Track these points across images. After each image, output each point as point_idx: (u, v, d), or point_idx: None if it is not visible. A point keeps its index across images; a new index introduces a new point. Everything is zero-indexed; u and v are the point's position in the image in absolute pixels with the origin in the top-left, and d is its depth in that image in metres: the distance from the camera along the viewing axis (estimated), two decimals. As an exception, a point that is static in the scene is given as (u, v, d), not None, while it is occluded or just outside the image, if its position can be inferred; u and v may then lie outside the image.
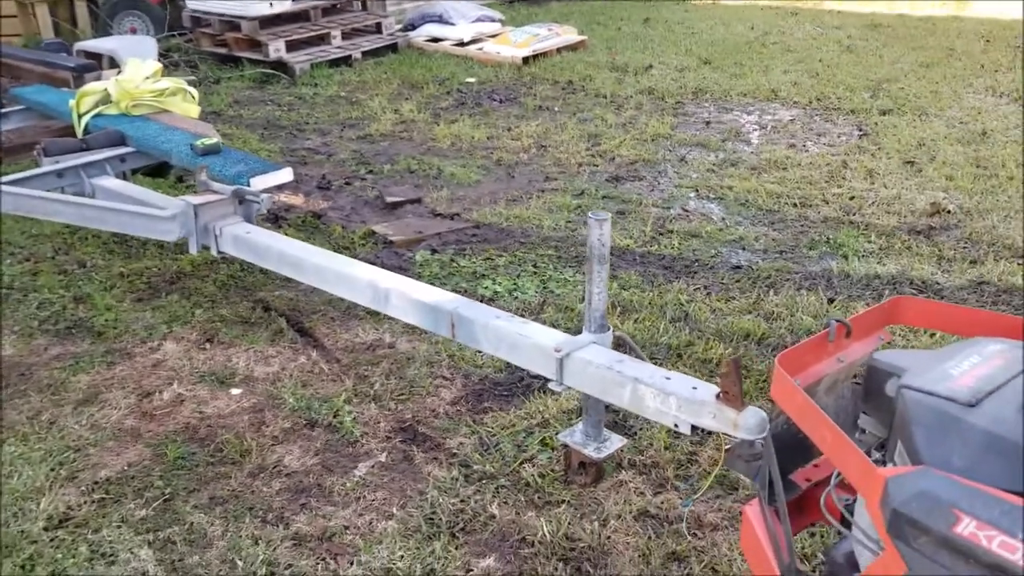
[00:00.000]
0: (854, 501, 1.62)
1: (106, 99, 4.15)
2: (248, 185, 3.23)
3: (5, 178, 3.52)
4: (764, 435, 1.91)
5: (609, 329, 2.32)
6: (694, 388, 2.04)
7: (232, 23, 7.99)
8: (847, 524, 1.61)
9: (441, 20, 8.96)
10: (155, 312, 3.70)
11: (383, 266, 4.13)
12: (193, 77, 5.86)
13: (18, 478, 2.62)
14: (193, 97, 4.27)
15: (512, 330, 2.35)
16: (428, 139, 6.18)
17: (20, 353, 3.42)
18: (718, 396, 1.95)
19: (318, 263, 2.82)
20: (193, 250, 3.12)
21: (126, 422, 2.95)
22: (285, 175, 3.39)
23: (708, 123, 6.56)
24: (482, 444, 2.81)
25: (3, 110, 4.59)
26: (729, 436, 1.97)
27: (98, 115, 4.10)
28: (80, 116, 4.12)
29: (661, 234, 4.54)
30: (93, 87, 4.14)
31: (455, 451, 2.78)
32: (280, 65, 7.88)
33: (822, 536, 2.32)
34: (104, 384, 3.18)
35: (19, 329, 3.60)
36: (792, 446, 1.74)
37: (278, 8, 7.93)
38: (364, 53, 8.45)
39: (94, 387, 3.16)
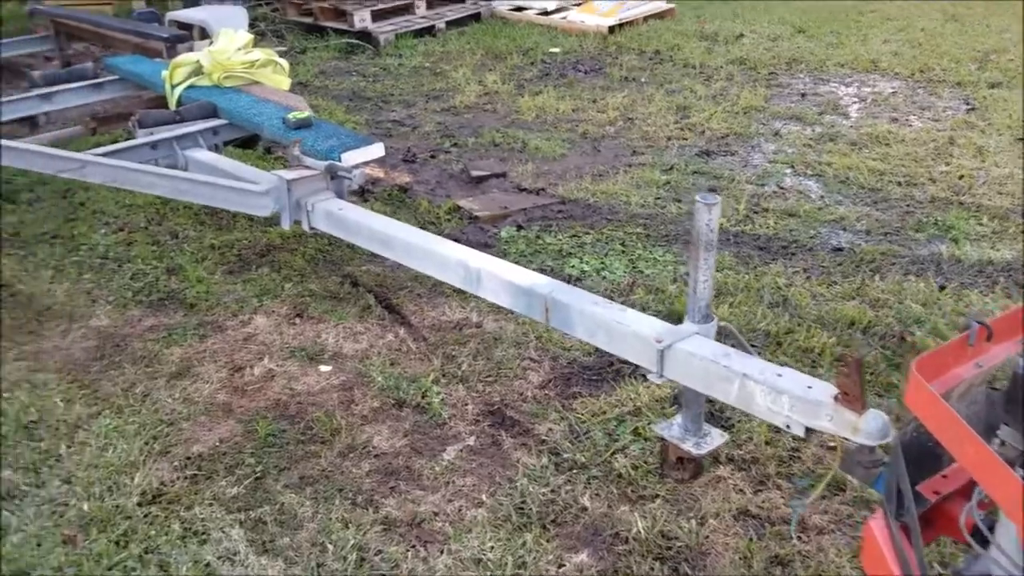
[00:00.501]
0: (990, 516, 1.50)
1: (198, 70, 4.16)
2: (340, 160, 3.19)
3: (99, 149, 3.55)
4: (886, 441, 1.78)
5: (713, 319, 2.21)
6: (809, 387, 1.91)
7: (318, -8, 7.99)
8: (983, 543, 1.48)
9: (525, -12, 8.80)
10: (246, 285, 3.72)
11: (468, 242, 4.08)
12: (283, 48, 5.86)
13: (113, 451, 2.65)
14: (284, 69, 4.25)
15: (610, 317, 2.26)
16: (512, 111, 6.08)
17: (115, 324, 3.48)
18: (836, 397, 1.82)
19: (409, 241, 2.76)
20: (285, 225, 3.10)
21: (218, 396, 2.96)
22: (377, 150, 3.34)
23: (803, 95, 6.29)
24: (572, 431, 2.74)
25: (98, 80, 4.66)
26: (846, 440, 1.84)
27: (191, 87, 4.12)
28: (173, 87, 4.14)
29: (756, 212, 4.36)
30: (186, 58, 4.16)
31: (544, 438, 2.71)
32: (365, 35, 7.85)
33: (942, 551, 2.18)
34: (196, 357, 3.21)
35: (114, 299, 3.66)
36: (920, 455, 1.61)
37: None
38: (448, 23, 8.37)
39: (186, 360, 3.19)
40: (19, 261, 3.99)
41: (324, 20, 8.12)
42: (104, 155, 3.49)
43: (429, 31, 8.22)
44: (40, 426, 2.80)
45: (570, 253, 3.95)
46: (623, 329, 2.22)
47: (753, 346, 3.08)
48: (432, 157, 5.27)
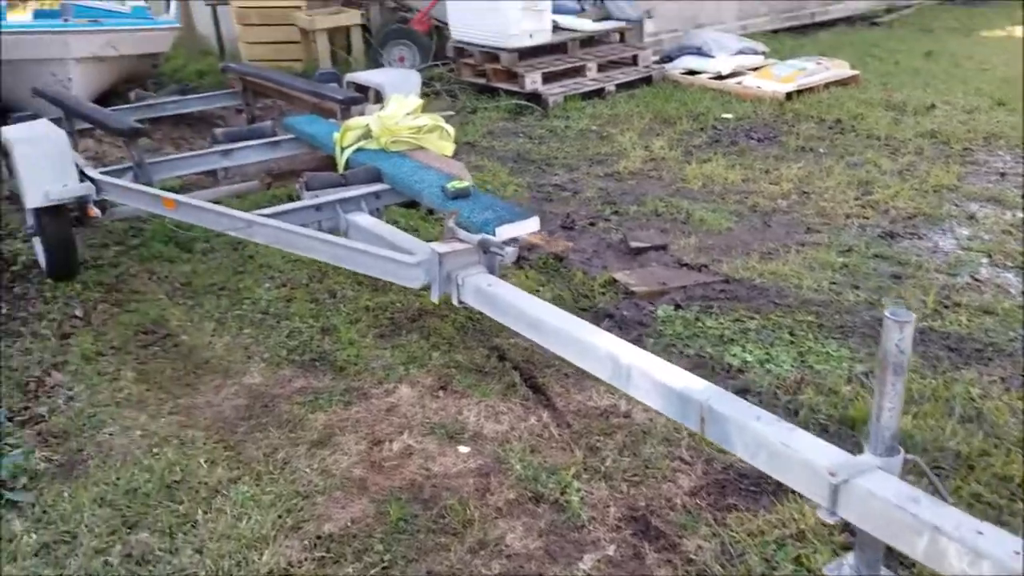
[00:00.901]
0: None
1: (367, 134, 4.23)
2: (494, 234, 3.10)
3: (267, 210, 3.64)
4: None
5: (899, 452, 1.91)
6: (1017, 552, 1.59)
7: (492, 54, 8.12)
8: None
9: (700, 52, 8.62)
10: (394, 351, 3.68)
11: (622, 319, 3.90)
12: (451, 112, 5.94)
13: (246, 522, 2.62)
14: (449, 135, 4.25)
15: (775, 438, 2.00)
16: (678, 179, 5.87)
17: (266, 382, 3.51)
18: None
19: (559, 327, 2.61)
20: (435, 298, 3.04)
21: (354, 471, 2.90)
22: (532, 224, 3.23)
23: (1003, 174, 5.73)
24: (724, 552, 2.47)
25: (275, 138, 4.84)
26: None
27: (359, 150, 4.18)
28: (342, 150, 4.22)
29: (946, 307, 3.93)
30: (356, 122, 4.23)
31: (692, 556, 2.46)
32: (535, 97, 7.89)
33: None
34: (339, 425, 3.17)
35: (268, 356, 3.71)
36: None
37: (538, 40, 7.95)
38: (618, 85, 8.29)
39: (329, 427, 3.15)
40: (187, 312, 4.15)
41: (496, 81, 8.23)
42: (270, 216, 3.56)
43: (598, 93, 8.16)
44: (182, 487, 2.82)
45: (732, 339, 3.68)
46: (790, 454, 1.96)
47: (938, 468, 2.71)
48: (591, 225, 5.14)
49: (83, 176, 4.28)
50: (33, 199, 4.11)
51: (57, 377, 3.56)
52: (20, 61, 7.18)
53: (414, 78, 5.25)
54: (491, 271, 3.05)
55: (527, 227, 3.23)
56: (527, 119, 7.65)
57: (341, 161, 4.20)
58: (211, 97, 6.20)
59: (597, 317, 3.95)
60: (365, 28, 9.43)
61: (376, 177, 3.92)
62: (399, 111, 4.25)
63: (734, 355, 3.56)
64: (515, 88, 8.02)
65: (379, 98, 5.42)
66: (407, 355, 3.65)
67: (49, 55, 7.18)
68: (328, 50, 9.14)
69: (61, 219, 4.29)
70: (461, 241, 3.06)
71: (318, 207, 3.69)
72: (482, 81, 8.39)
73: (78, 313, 4.16)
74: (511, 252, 2.88)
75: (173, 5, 8.42)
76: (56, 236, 4.30)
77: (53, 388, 3.50)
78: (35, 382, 3.52)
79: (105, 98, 8.40)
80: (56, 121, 5.46)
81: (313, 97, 5.11)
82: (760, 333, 3.73)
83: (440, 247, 3.00)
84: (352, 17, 9.25)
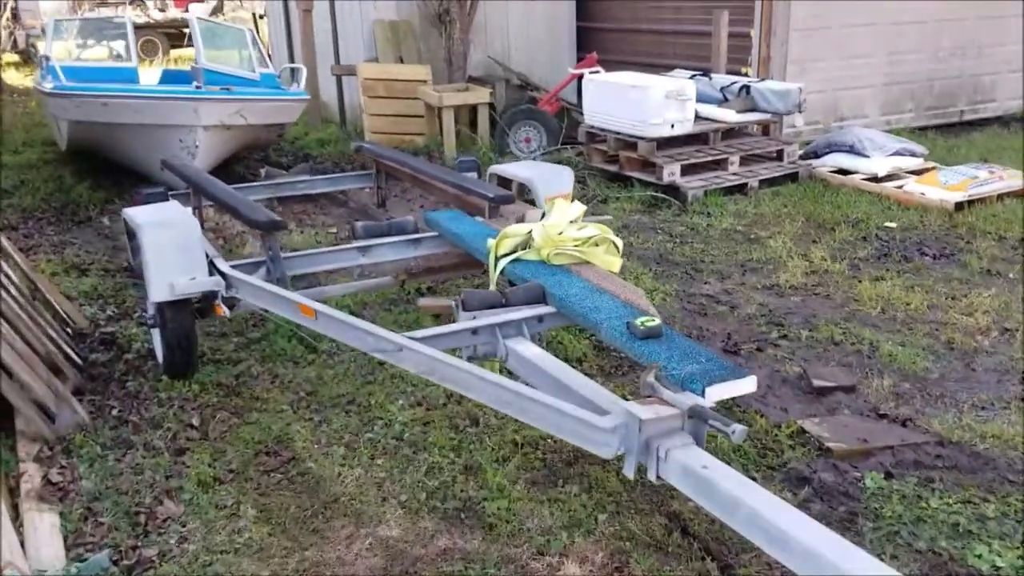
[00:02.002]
0: None
1: (526, 243, 3.75)
2: (702, 394, 2.54)
3: (418, 332, 3.16)
4: None
5: None
6: None
7: (627, 142, 7.66)
8: None
9: (852, 150, 7.97)
10: (552, 507, 3.12)
11: (823, 487, 3.26)
12: (609, 217, 5.46)
13: None
14: (617, 248, 3.74)
15: None
16: (850, 299, 5.21)
17: (405, 536, 2.98)
18: None
19: (810, 547, 2.01)
20: (629, 472, 2.47)
21: None
22: (747, 384, 2.66)
23: None
24: None
25: (416, 236, 4.41)
26: None
27: (516, 260, 3.70)
28: (497, 259, 3.75)
29: None
30: (516, 230, 3.76)
31: None
32: (671, 189, 7.37)
33: None
34: (496, 612, 2.61)
35: (406, 499, 3.19)
36: None
37: (680, 131, 7.46)
38: (761, 181, 7.71)
39: (485, 615, 2.59)
40: (313, 430, 3.68)
41: (629, 170, 7.76)
42: (423, 339, 3.08)
43: (740, 189, 7.60)
44: None
45: (969, 531, 2.99)
46: None
47: None
48: (758, 351, 4.52)
49: (212, 268, 3.92)
50: (158, 292, 3.76)
51: (170, 507, 3.11)
52: (149, 126, 7.05)
53: (566, 176, 4.80)
54: (698, 442, 2.47)
55: (742, 387, 2.65)
56: (663, 213, 7.12)
57: (495, 272, 3.72)
58: (342, 178, 5.89)
59: (790, 481, 3.32)
60: (491, 107, 9.14)
61: (539, 297, 3.41)
62: (563, 218, 3.77)
63: (979, 556, 2.86)
64: (650, 179, 7.53)
65: (521, 192, 4.99)
66: (568, 515, 3.08)
67: (178, 121, 7.04)
68: (453, 128, 8.85)
69: (184, 313, 3.92)
70: (664, 403, 2.50)
71: (475, 331, 3.20)
72: (614, 169, 7.93)
73: (194, 422, 3.74)
74: (740, 432, 2.30)
75: (302, 75, 8.27)
76: (177, 332, 3.93)
77: (165, 522, 3.04)
78: (146, 513, 3.07)
79: (226, 164, 8.28)
80: (183, 195, 5.20)
81: (458, 190, 4.69)
82: (1002, 523, 3.04)
83: (641, 410, 2.44)
84: (481, 96, 8.97)
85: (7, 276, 4.12)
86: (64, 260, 6.06)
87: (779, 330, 4.77)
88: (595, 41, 10.63)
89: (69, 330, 4.68)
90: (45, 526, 2.88)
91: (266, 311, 3.68)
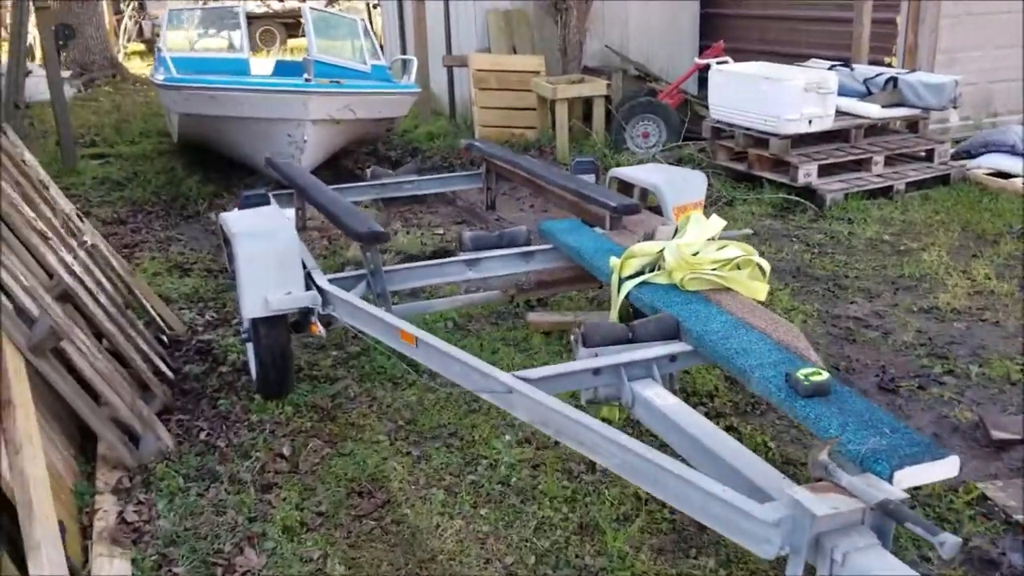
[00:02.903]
0: None
1: (656, 263, 3.27)
2: (890, 479, 2.02)
3: (533, 372, 2.73)
4: None
5: None
6: None
7: (758, 138, 7.03)
8: None
9: (1012, 151, 7.11)
10: (683, 586, 2.65)
11: (1010, 569, 2.66)
12: (750, 231, 4.91)
13: None
14: (763, 272, 3.21)
15: None
16: (1024, 327, 4.51)
17: (513, 612, 2.57)
18: None
19: None
20: (796, 572, 1.97)
21: None
22: (948, 467, 2.11)
23: None
24: None
25: (529, 248, 3.99)
26: None
27: (643, 283, 3.22)
28: (621, 281, 3.28)
29: None
30: (645, 248, 3.28)
31: None
32: (807, 191, 6.71)
33: None
34: None
35: (512, 563, 2.79)
36: None
37: (818, 127, 6.78)
38: (908, 184, 6.94)
39: None
40: (411, 467, 3.31)
41: (759, 169, 7.12)
42: (537, 381, 2.65)
43: (884, 192, 6.86)
44: None
45: None
46: None
47: None
48: (920, 388, 3.90)
49: (309, 281, 3.59)
50: (251, 307, 3.46)
51: (251, 558, 2.78)
52: (257, 119, 6.87)
53: (698, 182, 4.27)
54: (884, 541, 1.95)
55: (940, 471, 2.10)
56: (798, 218, 6.48)
57: (619, 298, 3.25)
58: (451, 179, 5.53)
59: (973, 563, 2.74)
60: (607, 99, 8.62)
61: (672, 331, 2.92)
62: (700, 236, 3.26)
63: None
64: (783, 179, 6.88)
65: (643, 198, 4.50)
66: (704, 597, 2.60)
67: (286, 115, 6.82)
68: (567, 122, 8.38)
69: (279, 330, 3.62)
70: (841, 490, 1.99)
71: (597, 370, 2.74)
72: (741, 167, 7.31)
73: (285, 451, 3.43)
74: (951, 546, 1.77)
75: (413, 67, 7.95)
76: (271, 349, 3.63)
77: (244, 576, 2.72)
78: (223, 565, 2.76)
79: (335, 159, 8.06)
80: (286, 195, 4.93)
81: (576, 197, 4.23)
82: None
83: (813, 502, 1.93)
84: (597, 87, 8.46)
85: (99, 284, 3.91)
86: (168, 259, 5.92)
87: (943, 364, 4.12)
88: (720, 29, 9.94)
89: (165, 337, 4.48)
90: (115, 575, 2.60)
91: (362, 333, 3.33)
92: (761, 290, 3.18)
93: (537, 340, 4.33)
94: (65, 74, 14.41)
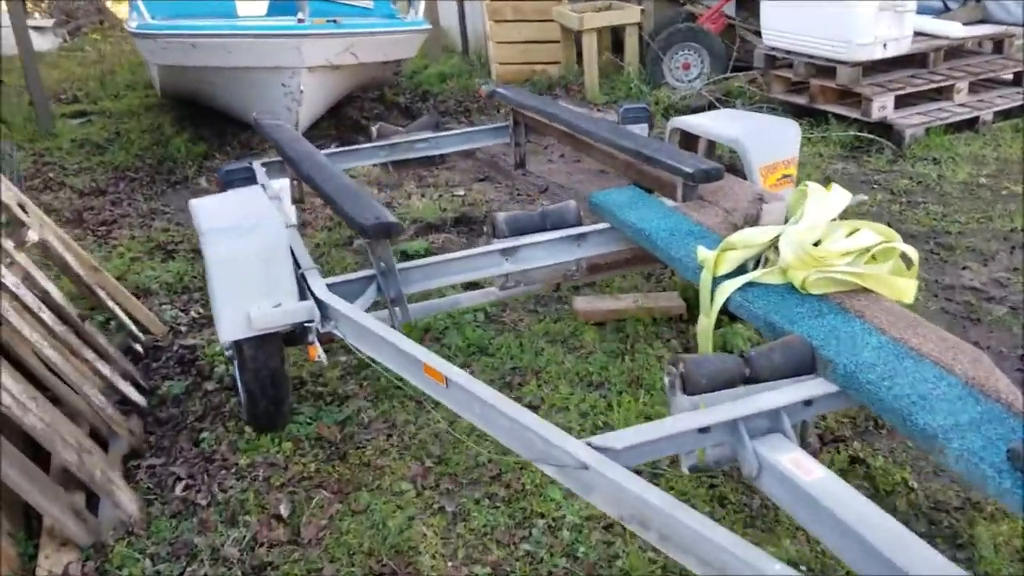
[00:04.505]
0: None
1: (762, 256, 2.44)
2: None
3: (608, 436, 1.93)
4: None
5: None
6: None
7: (822, 67, 6.08)
8: None
9: (1118, 68, 6.13)
10: None
11: None
12: (863, 196, 4.02)
13: None
14: (911, 264, 2.37)
15: None
16: None
17: None
18: None
19: None
20: None
21: None
22: None
23: None
24: None
25: (580, 229, 3.15)
26: None
27: (748, 285, 2.39)
28: (715, 280, 2.45)
29: None
30: (749, 238, 2.44)
31: None
32: (881, 127, 5.79)
33: None
34: None
35: None
36: None
37: (893, 51, 5.82)
38: (995, 114, 6.01)
39: None
40: (444, 530, 2.55)
41: (823, 102, 6.19)
42: (624, 451, 1.86)
43: (969, 125, 5.93)
44: None
45: None
46: None
47: None
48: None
49: (304, 287, 2.79)
50: (230, 326, 2.67)
51: None
52: (244, 69, 5.98)
53: (790, 133, 3.40)
54: None
55: None
56: (874, 160, 5.58)
57: (715, 304, 2.42)
58: (473, 134, 4.65)
59: None
60: (639, 27, 7.64)
61: (805, 361, 2.10)
62: (822, 217, 2.42)
63: None
64: (853, 114, 5.97)
65: (710, 150, 3.64)
66: None
67: (278, 63, 5.92)
68: (596, 55, 7.43)
69: (268, 350, 2.84)
70: None
71: (704, 428, 1.94)
72: (802, 101, 6.37)
73: (282, 511, 2.67)
74: None
75: (421, 4, 6.99)
76: (259, 375, 2.86)
77: None
78: None
79: (338, 106, 7.18)
80: (277, 163, 4.10)
81: (635, 159, 3.37)
82: None
83: None
84: (629, 14, 7.47)
85: (46, 295, 3.13)
86: (149, 238, 5.12)
87: (1101, 354, 3.30)
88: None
89: (140, 345, 3.71)
90: None
91: (372, 361, 2.53)
92: (909, 290, 2.35)
93: (590, 336, 3.54)
94: (47, 22, 13.52)
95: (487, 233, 3.23)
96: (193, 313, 4.13)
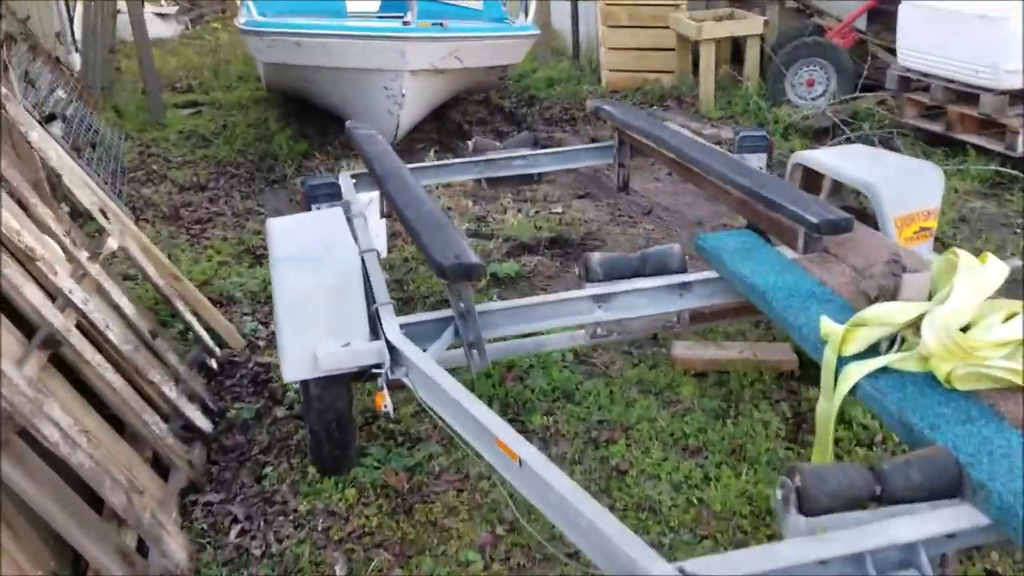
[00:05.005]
0: None
1: (897, 336, 2.08)
2: None
3: (714, 559, 1.62)
4: None
5: None
6: None
7: (963, 93, 5.53)
8: None
9: None
10: None
11: None
12: (1020, 261, 3.56)
13: None
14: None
15: None
16: None
17: None
18: None
19: None
20: None
21: None
22: None
23: None
24: None
25: (685, 277, 2.82)
26: None
27: (882, 370, 2.03)
28: (841, 361, 2.10)
29: None
30: (885, 315, 2.08)
31: None
32: (1028, 163, 5.23)
33: None
34: None
35: None
36: None
37: (1050, 79, 5.24)
38: None
39: None
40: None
41: (961, 132, 5.64)
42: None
43: None
44: None
45: None
46: None
47: None
48: None
49: (375, 325, 2.57)
50: (294, 365, 2.47)
51: None
52: (348, 70, 5.86)
53: (931, 177, 2.99)
54: None
55: None
56: (1016, 199, 5.04)
57: (842, 387, 2.07)
58: (574, 153, 4.37)
59: None
60: (761, 39, 7.19)
61: (949, 481, 1.74)
62: (974, 297, 2.04)
63: None
64: (995, 146, 5.40)
65: (836, 190, 3.26)
66: None
67: (381, 65, 5.77)
68: (713, 67, 7.03)
69: (335, 392, 2.64)
70: None
71: (823, 562, 1.61)
72: (936, 128, 5.82)
73: (338, 574, 2.46)
74: None
75: (532, 4, 6.74)
76: (325, 417, 2.66)
77: None
78: None
79: (442, 109, 7.00)
80: (365, 175, 3.90)
81: (750, 198, 3.02)
82: None
83: None
84: (753, 26, 7.04)
85: (117, 309, 3.01)
86: (241, 240, 5.04)
87: None
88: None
89: (215, 361, 3.58)
90: None
91: (442, 421, 2.29)
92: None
93: (688, 390, 3.21)
94: (171, 10, 13.88)
95: (579, 276, 2.94)
96: (273, 327, 3.99)
